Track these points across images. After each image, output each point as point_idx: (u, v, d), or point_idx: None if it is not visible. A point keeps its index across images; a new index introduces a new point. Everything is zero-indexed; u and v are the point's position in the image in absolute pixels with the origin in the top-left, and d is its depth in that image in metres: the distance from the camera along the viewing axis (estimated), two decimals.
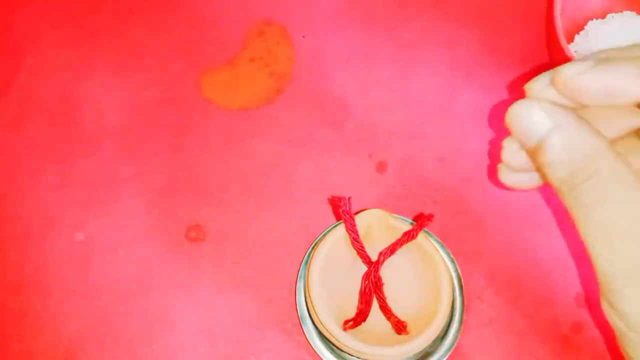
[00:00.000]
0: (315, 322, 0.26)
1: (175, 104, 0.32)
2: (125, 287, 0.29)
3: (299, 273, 0.28)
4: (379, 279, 0.26)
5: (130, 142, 0.32)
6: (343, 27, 0.34)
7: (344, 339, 0.25)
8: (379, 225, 0.27)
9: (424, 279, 0.26)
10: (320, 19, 0.34)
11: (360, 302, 0.25)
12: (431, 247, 0.26)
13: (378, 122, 0.32)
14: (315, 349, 0.27)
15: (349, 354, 0.26)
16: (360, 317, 0.25)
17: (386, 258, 0.26)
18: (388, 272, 0.26)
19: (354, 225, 0.26)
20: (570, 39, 0.32)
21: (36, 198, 0.30)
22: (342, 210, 0.26)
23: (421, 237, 0.26)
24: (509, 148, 0.22)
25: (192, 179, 0.31)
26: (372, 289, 0.25)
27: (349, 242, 0.26)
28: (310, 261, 0.26)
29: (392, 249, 0.26)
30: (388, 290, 0.26)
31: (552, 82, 0.20)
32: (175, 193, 0.31)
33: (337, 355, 0.27)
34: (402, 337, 0.25)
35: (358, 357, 0.26)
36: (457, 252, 0.29)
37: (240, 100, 0.33)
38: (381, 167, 0.31)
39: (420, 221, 0.26)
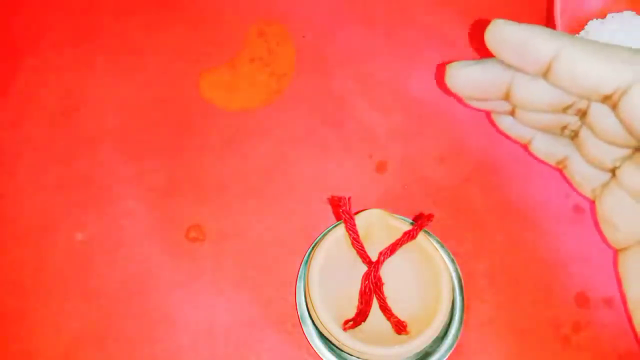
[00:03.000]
0: (315, 322, 0.26)
1: (175, 104, 0.32)
2: (125, 287, 0.29)
3: (299, 273, 0.28)
4: (379, 279, 0.26)
5: (130, 142, 0.32)
6: (343, 27, 0.34)
7: (344, 339, 0.25)
8: (379, 225, 0.27)
9: (424, 279, 0.26)
10: (320, 19, 0.34)
11: (360, 302, 0.25)
12: (431, 247, 0.26)
13: (378, 122, 0.32)
14: (315, 349, 0.27)
15: (349, 354, 0.26)
16: (360, 317, 0.25)
17: (386, 258, 0.26)
18: (388, 272, 0.26)
19: (354, 225, 0.26)
20: None
21: (36, 198, 0.30)
22: (342, 210, 0.26)
23: (421, 237, 0.26)
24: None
25: (192, 179, 0.31)
26: (372, 289, 0.25)
27: (349, 242, 0.26)
28: (310, 261, 0.26)
29: (392, 249, 0.26)
30: (388, 290, 0.26)
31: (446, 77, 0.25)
32: (175, 193, 0.31)
33: (337, 355, 0.27)
34: (402, 337, 0.25)
35: (358, 357, 0.26)
36: (457, 252, 0.29)
37: (240, 101, 0.33)
38: (381, 167, 0.31)
39: (420, 221, 0.26)
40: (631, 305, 0.26)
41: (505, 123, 0.28)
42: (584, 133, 0.25)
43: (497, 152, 0.32)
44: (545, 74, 0.23)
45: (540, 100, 0.24)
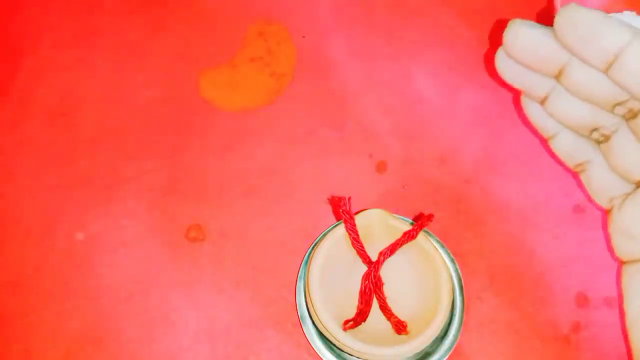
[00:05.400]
0: (315, 322, 0.26)
1: (175, 104, 0.32)
2: (125, 287, 0.29)
3: (299, 273, 0.28)
4: (379, 279, 0.26)
5: (130, 142, 0.32)
6: (343, 28, 0.34)
7: (344, 339, 0.25)
8: (379, 225, 0.27)
9: (424, 279, 0.26)
10: (321, 19, 0.34)
11: (360, 302, 0.26)
12: (431, 247, 0.26)
13: (378, 122, 0.32)
14: (315, 349, 0.27)
15: (349, 354, 0.26)
16: (360, 317, 0.25)
17: (386, 258, 0.26)
18: (388, 272, 0.26)
19: (354, 225, 0.26)
20: None
21: (36, 198, 0.30)
22: (342, 210, 0.26)
23: (421, 237, 0.26)
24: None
25: (192, 179, 0.31)
26: (372, 289, 0.25)
27: (349, 242, 0.26)
28: (310, 261, 0.26)
29: (392, 249, 0.26)
30: (388, 290, 0.26)
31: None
32: (175, 193, 0.31)
33: (337, 355, 0.27)
34: (402, 337, 0.25)
35: (358, 357, 0.26)
36: (457, 252, 0.29)
37: (240, 100, 0.33)
38: (381, 167, 0.31)
39: (420, 221, 0.26)
40: (629, 322, 0.25)
41: (534, 111, 0.26)
42: (619, 139, 0.24)
43: (497, 152, 0.32)
44: (609, 67, 0.21)
45: (593, 89, 0.22)
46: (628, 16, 0.32)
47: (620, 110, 0.22)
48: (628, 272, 0.25)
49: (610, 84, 0.22)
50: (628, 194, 0.25)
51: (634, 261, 0.25)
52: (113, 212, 0.30)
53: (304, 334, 0.27)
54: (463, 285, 0.28)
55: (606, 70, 0.21)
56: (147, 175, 0.31)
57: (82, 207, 0.30)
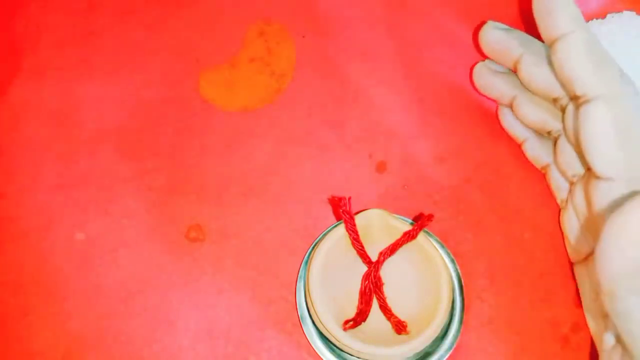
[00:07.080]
0: (315, 322, 0.26)
1: (175, 104, 0.33)
2: (125, 287, 0.29)
3: (299, 273, 0.28)
4: (379, 279, 0.26)
5: (130, 142, 0.32)
6: (343, 27, 0.34)
7: (344, 339, 0.25)
8: (379, 225, 0.27)
9: (424, 279, 0.26)
10: (320, 19, 0.34)
11: (360, 302, 0.26)
12: (431, 247, 0.26)
13: (378, 122, 0.32)
14: (315, 349, 0.27)
15: (349, 354, 0.26)
16: (360, 317, 0.25)
17: (386, 258, 0.26)
18: (388, 272, 0.26)
19: (354, 225, 0.26)
20: None
21: (36, 198, 0.30)
22: (342, 210, 0.26)
23: (421, 237, 0.26)
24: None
25: (192, 179, 0.31)
26: (372, 289, 0.25)
27: (349, 242, 0.26)
28: (310, 261, 0.26)
29: (392, 249, 0.26)
30: (388, 290, 0.26)
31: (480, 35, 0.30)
32: (175, 193, 0.31)
33: (337, 355, 0.27)
34: (402, 337, 0.25)
35: (358, 357, 0.26)
36: (457, 252, 0.29)
37: (240, 100, 0.33)
38: (381, 167, 0.31)
39: (421, 221, 0.26)
40: (585, 313, 0.27)
41: (507, 120, 0.31)
42: (561, 140, 0.28)
43: (497, 152, 0.32)
44: (515, 71, 0.28)
45: (537, 81, 0.27)
46: (628, 16, 0.32)
47: (558, 105, 0.27)
48: (574, 271, 0.28)
49: (548, 79, 0.27)
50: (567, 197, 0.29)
51: (575, 262, 0.28)
52: (113, 212, 0.30)
53: (304, 334, 0.27)
54: (463, 285, 0.28)
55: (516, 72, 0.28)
56: (147, 175, 0.31)
57: (82, 207, 0.30)
